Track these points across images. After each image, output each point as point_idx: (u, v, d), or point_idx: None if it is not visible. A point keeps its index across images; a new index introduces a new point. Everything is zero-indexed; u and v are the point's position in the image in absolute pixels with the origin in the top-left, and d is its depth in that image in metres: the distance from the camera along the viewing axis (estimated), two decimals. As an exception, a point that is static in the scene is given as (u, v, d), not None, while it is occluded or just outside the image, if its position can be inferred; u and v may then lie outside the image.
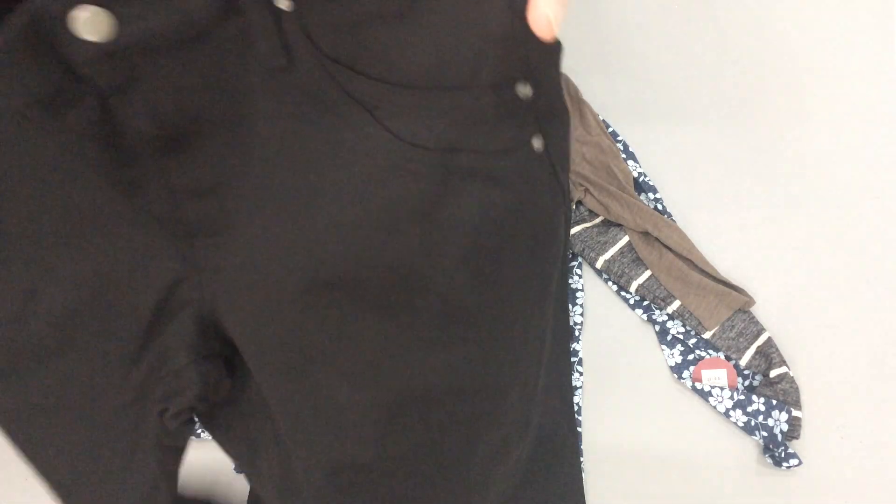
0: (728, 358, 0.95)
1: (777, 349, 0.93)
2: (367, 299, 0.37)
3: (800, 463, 0.89)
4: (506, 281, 0.39)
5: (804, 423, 0.93)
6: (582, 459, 0.92)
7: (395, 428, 0.41)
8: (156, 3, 0.31)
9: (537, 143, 0.37)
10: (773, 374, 0.92)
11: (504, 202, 0.36)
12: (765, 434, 0.90)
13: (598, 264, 0.98)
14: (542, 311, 0.43)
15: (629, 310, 0.99)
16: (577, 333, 0.96)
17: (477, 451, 0.43)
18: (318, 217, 0.37)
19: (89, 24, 0.30)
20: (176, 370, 0.41)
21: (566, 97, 1.03)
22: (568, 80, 1.04)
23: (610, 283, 1.00)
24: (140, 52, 0.32)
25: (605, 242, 0.98)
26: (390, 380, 0.40)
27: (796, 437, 0.90)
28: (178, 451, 0.43)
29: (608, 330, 0.98)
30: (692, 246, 0.97)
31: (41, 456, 0.42)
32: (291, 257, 0.37)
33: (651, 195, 1.01)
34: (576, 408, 0.93)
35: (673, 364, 0.95)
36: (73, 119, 0.33)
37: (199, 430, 0.78)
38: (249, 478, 0.48)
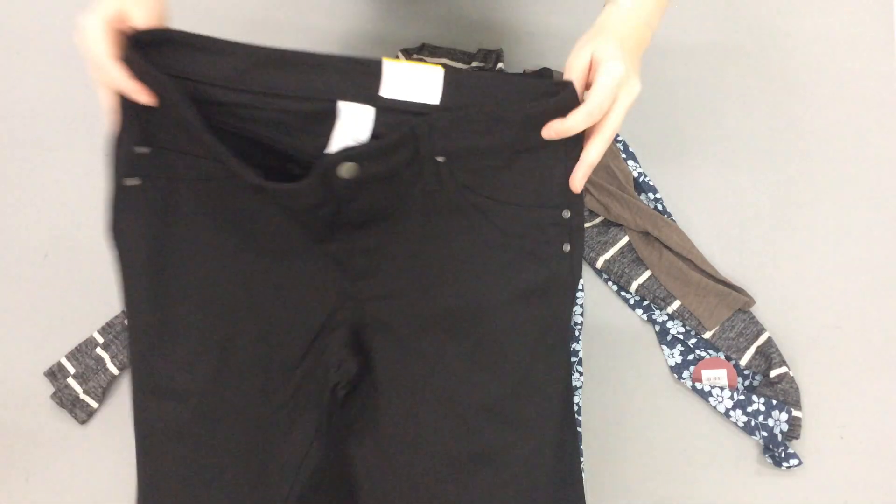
0: (728, 358, 0.95)
1: (777, 349, 0.93)
2: (452, 330, 0.64)
3: (800, 463, 0.89)
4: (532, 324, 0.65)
5: (804, 423, 0.93)
6: (582, 459, 0.92)
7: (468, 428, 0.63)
8: (379, 161, 0.59)
9: (567, 248, 0.64)
10: (773, 374, 0.92)
11: (540, 276, 0.64)
12: (765, 434, 0.90)
13: (598, 264, 0.98)
14: (562, 347, 0.67)
15: (629, 310, 0.99)
16: (577, 333, 0.96)
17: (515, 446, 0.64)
18: (435, 273, 0.64)
19: (346, 171, 0.58)
20: (329, 366, 0.65)
21: None
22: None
23: (610, 283, 1.00)
24: (366, 182, 0.59)
25: (605, 242, 0.98)
26: (462, 390, 0.63)
27: (796, 437, 0.90)
28: (319, 416, 0.65)
29: (608, 330, 0.98)
30: (692, 246, 0.97)
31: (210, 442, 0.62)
32: (416, 301, 0.64)
33: (651, 195, 1.01)
34: (576, 408, 0.93)
35: (673, 364, 0.96)
36: (322, 213, 0.61)
37: None
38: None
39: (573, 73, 0.59)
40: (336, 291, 0.64)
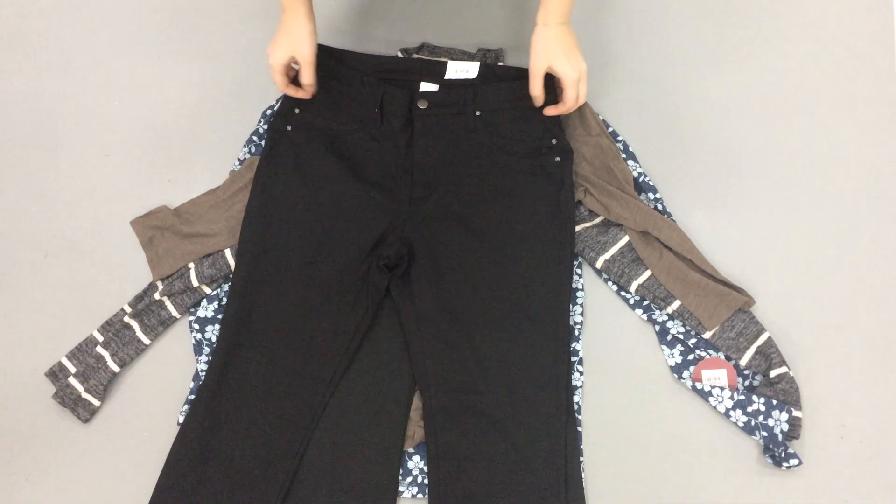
0: (728, 358, 0.95)
1: (777, 349, 0.93)
2: (480, 234, 0.97)
3: (800, 463, 0.89)
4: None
5: (804, 423, 0.93)
6: (582, 459, 0.92)
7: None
8: (440, 104, 0.98)
9: (557, 160, 0.99)
10: (773, 374, 0.92)
11: (540, 182, 0.99)
12: (765, 434, 0.90)
13: (598, 264, 0.98)
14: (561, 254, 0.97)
15: (629, 310, 0.99)
16: (577, 333, 0.96)
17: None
18: (471, 197, 0.98)
19: (421, 103, 0.98)
20: (388, 258, 0.95)
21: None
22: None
23: (610, 283, 1.00)
24: (432, 113, 0.99)
25: (605, 242, 0.98)
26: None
27: (796, 437, 0.90)
28: (376, 293, 0.95)
29: (608, 330, 0.98)
30: (692, 246, 0.97)
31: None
32: (454, 220, 0.97)
33: (651, 195, 1.01)
34: (576, 408, 0.93)
35: (673, 364, 0.95)
36: (402, 145, 0.99)
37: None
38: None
39: (538, 78, 0.93)
40: (401, 209, 0.97)
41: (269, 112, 1.07)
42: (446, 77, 1.01)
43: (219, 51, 1.11)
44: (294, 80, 0.97)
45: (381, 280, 0.95)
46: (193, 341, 0.96)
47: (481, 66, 1.01)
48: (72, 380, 0.94)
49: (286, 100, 0.99)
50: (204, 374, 0.94)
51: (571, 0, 0.90)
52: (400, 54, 1.09)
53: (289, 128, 0.99)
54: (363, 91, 0.98)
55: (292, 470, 0.88)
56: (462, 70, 1.01)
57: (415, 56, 1.09)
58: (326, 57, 0.98)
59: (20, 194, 1.04)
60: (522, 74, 0.96)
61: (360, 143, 0.99)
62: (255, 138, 1.05)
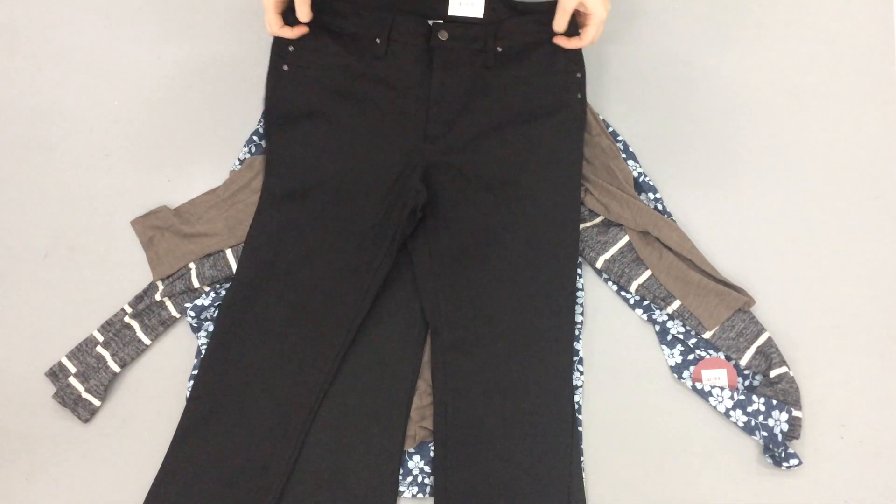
0: (728, 358, 0.95)
1: (777, 349, 0.93)
2: (494, 181, 0.97)
3: (800, 463, 0.89)
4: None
5: (804, 423, 0.93)
6: (582, 459, 0.92)
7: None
8: (460, 35, 0.96)
9: (578, 96, 0.99)
10: (773, 374, 0.92)
11: (555, 112, 0.98)
12: (765, 434, 0.90)
13: (598, 264, 0.98)
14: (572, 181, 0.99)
15: (629, 310, 0.99)
16: (577, 333, 0.96)
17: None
18: (487, 136, 0.96)
19: (441, 34, 0.95)
20: (408, 195, 0.94)
21: None
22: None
23: (610, 283, 1.00)
24: (452, 46, 0.96)
25: (605, 242, 0.98)
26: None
27: (796, 437, 0.90)
28: (398, 230, 0.94)
29: (608, 330, 0.98)
30: (692, 246, 0.97)
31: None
32: (470, 158, 0.96)
33: (651, 195, 1.01)
34: (576, 407, 0.93)
35: (673, 364, 0.96)
36: (412, 70, 0.96)
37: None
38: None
39: (567, 14, 0.89)
40: (417, 147, 0.96)
41: (269, 112, 1.06)
42: (450, 14, 0.96)
43: (219, 51, 1.11)
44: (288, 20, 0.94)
45: (408, 224, 0.94)
46: (192, 325, 0.96)
47: (494, 1, 0.97)
48: (72, 380, 0.94)
49: (277, 40, 0.96)
50: (204, 349, 0.94)
51: None
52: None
53: (285, 67, 0.96)
54: (363, 22, 0.95)
55: (292, 461, 0.88)
56: (467, 4, 0.96)
57: None
58: None
59: (20, 194, 1.04)
60: (544, 9, 0.95)
61: (365, 78, 0.96)
62: (255, 138, 1.05)
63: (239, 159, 1.04)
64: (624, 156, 1.03)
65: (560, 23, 0.90)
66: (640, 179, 1.01)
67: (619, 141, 1.04)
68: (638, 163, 1.03)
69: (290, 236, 0.95)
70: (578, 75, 0.98)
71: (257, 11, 1.13)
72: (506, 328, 0.92)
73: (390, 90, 0.96)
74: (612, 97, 1.08)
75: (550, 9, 0.92)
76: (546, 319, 0.92)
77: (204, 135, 1.07)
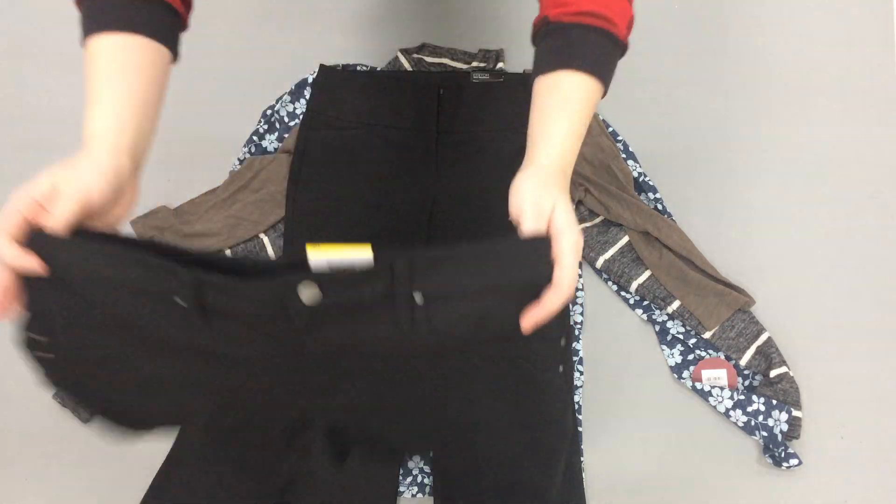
0: (728, 358, 0.95)
1: (777, 349, 0.93)
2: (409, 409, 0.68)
3: (800, 463, 0.89)
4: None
5: (804, 423, 0.93)
6: (582, 459, 0.92)
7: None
8: (347, 290, 0.54)
9: (560, 369, 0.69)
10: (773, 374, 0.92)
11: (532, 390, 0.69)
12: (765, 434, 0.90)
13: (598, 264, 0.98)
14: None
15: (629, 310, 0.99)
16: (577, 333, 0.96)
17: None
18: (406, 411, 0.67)
19: (307, 294, 0.53)
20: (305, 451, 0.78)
21: None
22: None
23: (610, 283, 0.99)
24: (329, 313, 0.55)
25: (605, 242, 0.98)
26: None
27: (796, 437, 0.90)
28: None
29: (608, 330, 0.98)
30: (692, 246, 0.97)
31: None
32: (372, 416, 0.68)
33: (651, 195, 1.01)
34: (576, 407, 0.93)
35: (673, 364, 0.95)
36: (283, 337, 0.57)
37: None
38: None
39: (537, 220, 0.57)
40: (299, 401, 0.66)
41: (268, 112, 1.07)
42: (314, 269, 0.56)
43: (219, 51, 1.11)
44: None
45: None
46: None
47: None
48: (72, 380, 0.94)
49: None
50: None
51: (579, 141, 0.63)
52: (400, 54, 1.09)
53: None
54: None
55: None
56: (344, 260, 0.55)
57: (414, 56, 1.08)
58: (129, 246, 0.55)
59: (20, 194, 1.04)
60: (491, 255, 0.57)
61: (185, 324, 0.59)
62: (255, 138, 1.05)
63: (239, 159, 1.04)
64: (624, 156, 1.03)
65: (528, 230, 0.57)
66: (640, 179, 1.01)
67: (619, 141, 1.04)
68: (638, 163, 1.03)
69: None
70: (563, 343, 0.67)
71: (258, 12, 1.13)
72: None
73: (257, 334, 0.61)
74: (612, 97, 1.08)
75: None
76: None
77: (204, 135, 1.07)
